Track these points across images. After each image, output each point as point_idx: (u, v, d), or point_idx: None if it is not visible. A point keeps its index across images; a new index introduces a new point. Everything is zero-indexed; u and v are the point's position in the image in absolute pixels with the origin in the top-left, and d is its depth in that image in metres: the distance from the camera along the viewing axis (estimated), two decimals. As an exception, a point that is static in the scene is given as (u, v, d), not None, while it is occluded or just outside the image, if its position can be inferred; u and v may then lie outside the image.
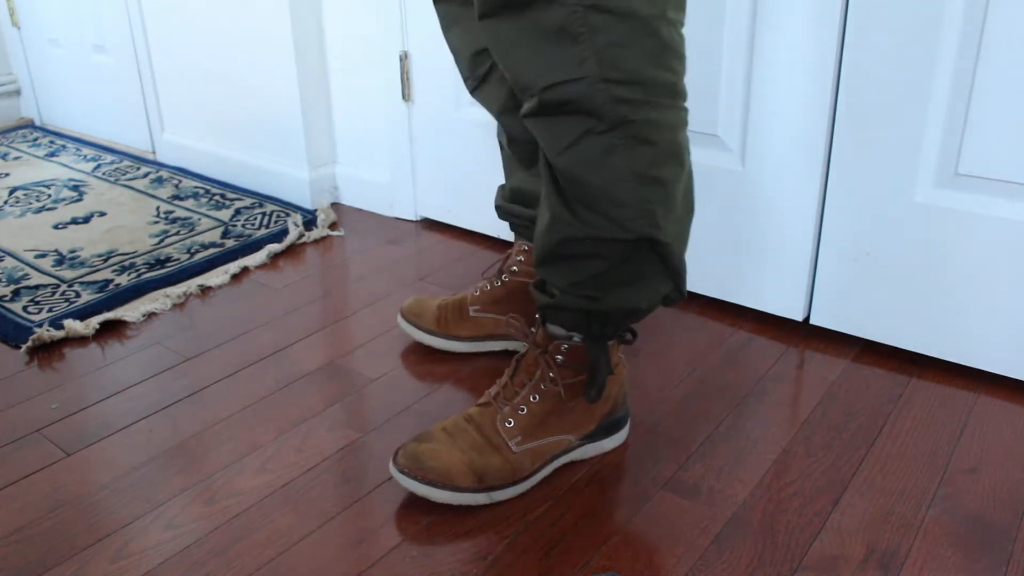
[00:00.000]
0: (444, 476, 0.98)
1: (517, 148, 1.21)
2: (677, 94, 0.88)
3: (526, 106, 0.89)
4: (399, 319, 1.34)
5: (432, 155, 1.72)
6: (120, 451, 1.11)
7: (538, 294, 1.01)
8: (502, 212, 1.28)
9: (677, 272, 0.97)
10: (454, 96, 1.63)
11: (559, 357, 1.01)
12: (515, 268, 1.27)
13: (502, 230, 1.67)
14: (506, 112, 1.17)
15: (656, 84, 0.86)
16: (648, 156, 0.88)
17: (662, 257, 0.95)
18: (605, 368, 1.00)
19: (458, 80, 1.61)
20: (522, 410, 1.02)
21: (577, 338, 1.01)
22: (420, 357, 1.31)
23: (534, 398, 1.02)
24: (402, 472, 0.99)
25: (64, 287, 1.54)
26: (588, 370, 1.01)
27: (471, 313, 1.29)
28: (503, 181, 1.32)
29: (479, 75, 1.17)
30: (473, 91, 1.20)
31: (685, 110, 0.90)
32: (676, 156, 0.90)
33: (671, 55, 0.86)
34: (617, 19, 0.82)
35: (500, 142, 1.26)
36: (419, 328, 1.31)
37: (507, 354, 1.30)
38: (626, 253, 0.93)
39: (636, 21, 0.82)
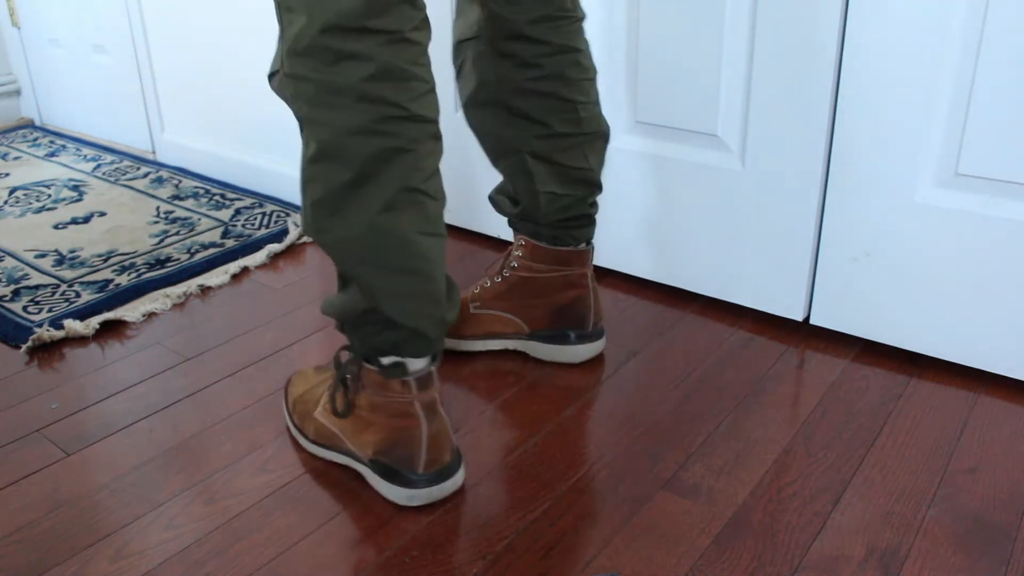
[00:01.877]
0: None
1: (481, 141, 1.23)
2: (343, 93, 0.87)
3: None
4: None
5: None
6: (120, 451, 1.11)
7: None
8: (493, 203, 1.29)
9: (368, 293, 0.94)
10: (453, 96, 1.63)
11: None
12: (515, 264, 1.27)
13: (502, 230, 1.67)
14: (468, 105, 1.20)
15: (318, 83, 0.87)
16: (308, 153, 0.90)
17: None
18: (338, 380, 1.02)
19: (458, 80, 1.61)
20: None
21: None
22: (420, 357, 1.31)
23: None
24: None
25: (64, 287, 1.54)
26: None
27: (471, 310, 1.29)
28: None
29: (456, 66, 1.20)
30: (456, 80, 1.23)
31: (364, 112, 0.88)
32: (334, 157, 0.89)
33: (336, 58, 0.86)
34: (290, 16, 0.87)
35: None
36: None
37: (508, 353, 1.30)
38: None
39: (302, 19, 0.85)
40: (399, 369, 0.96)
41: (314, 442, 1.08)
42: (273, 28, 1.77)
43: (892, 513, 0.97)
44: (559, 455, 1.08)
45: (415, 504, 1.00)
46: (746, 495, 1.00)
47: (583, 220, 1.22)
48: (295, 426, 1.12)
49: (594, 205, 1.22)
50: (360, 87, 0.86)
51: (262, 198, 1.92)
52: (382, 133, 0.88)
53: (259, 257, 1.64)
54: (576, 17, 1.13)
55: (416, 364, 0.97)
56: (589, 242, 1.24)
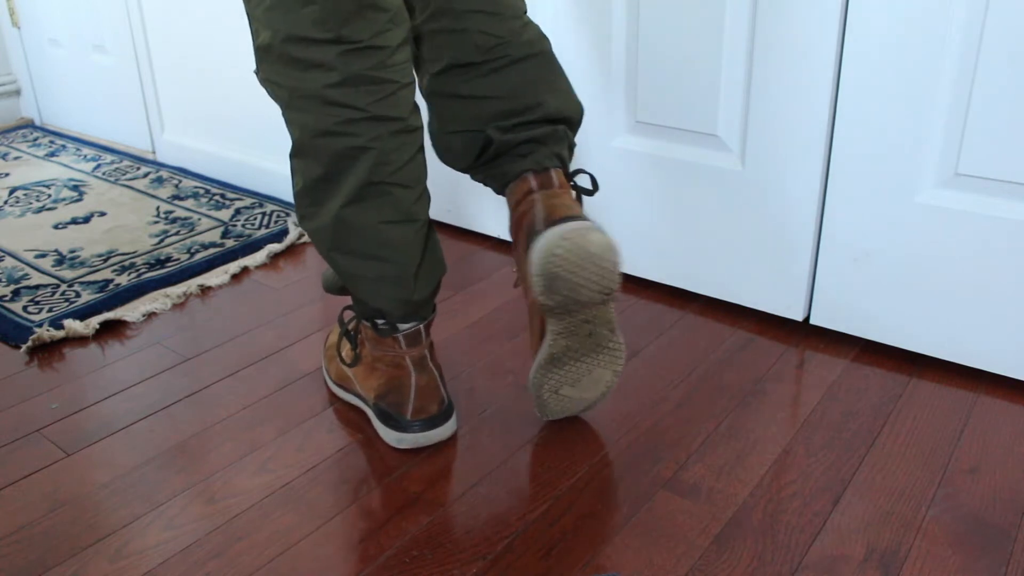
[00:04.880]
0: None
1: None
2: (310, 98, 0.94)
3: None
4: None
5: (431, 155, 1.72)
6: (120, 451, 1.11)
7: None
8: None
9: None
10: (454, 96, 1.63)
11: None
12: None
13: (503, 231, 1.67)
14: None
15: (290, 88, 0.95)
16: (291, 148, 1.00)
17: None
18: (341, 336, 1.16)
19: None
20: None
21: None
22: (420, 357, 1.31)
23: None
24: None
25: (64, 287, 1.54)
26: None
27: None
28: None
29: None
30: None
31: (328, 115, 0.94)
32: (307, 155, 0.97)
33: (305, 66, 0.92)
34: (255, 25, 0.95)
35: None
36: None
37: (508, 353, 1.30)
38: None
39: (266, 32, 0.93)
40: (389, 328, 1.06)
41: (336, 383, 1.20)
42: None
43: (892, 513, 0.97)
44: (559, 455, 1.08)
45: (403, 447, 1.09)
46: (746, 495, 1.00)
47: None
48: (324, 368, 1.24)
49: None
50: (324, 93, 0.93)
51: (262, 198, 1.92)
52: (344, 134, 0.94)
53: (259, 257, 1.64)
54: None
55: (404, 324, 1.06)
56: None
